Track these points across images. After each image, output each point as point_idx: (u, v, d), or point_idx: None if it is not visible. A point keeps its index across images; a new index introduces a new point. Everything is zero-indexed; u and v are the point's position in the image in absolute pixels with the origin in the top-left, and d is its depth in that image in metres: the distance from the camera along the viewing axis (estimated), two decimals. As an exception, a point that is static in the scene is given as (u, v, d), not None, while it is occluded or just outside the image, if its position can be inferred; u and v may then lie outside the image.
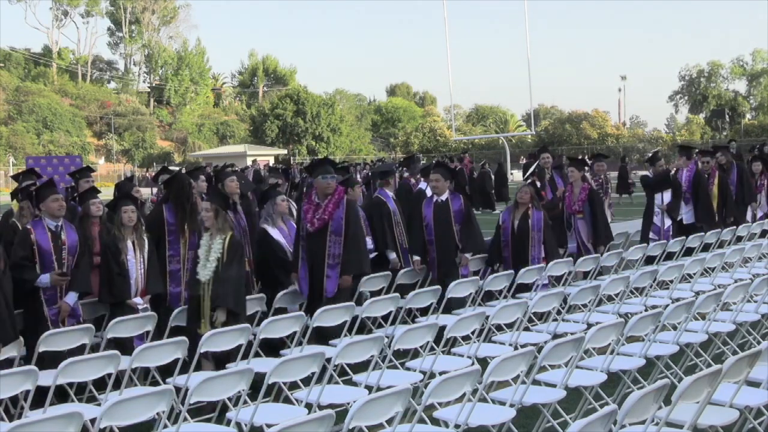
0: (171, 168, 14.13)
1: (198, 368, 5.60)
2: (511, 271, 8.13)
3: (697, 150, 12.95)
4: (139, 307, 6.70)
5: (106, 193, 9.29)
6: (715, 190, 11.55)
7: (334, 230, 7.33)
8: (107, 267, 6.78)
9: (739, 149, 20.31)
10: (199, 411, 5.48)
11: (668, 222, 10.76)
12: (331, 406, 4.72)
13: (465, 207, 8.51)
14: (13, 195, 8.52)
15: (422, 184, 10.49)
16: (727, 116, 58.13)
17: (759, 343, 6.48)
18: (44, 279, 6.39)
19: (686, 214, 11.27)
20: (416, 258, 8.47)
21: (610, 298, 7.88)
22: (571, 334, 5.53)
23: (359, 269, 7.45)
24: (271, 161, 51.28)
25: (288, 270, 7.55)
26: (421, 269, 8.44)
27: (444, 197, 8.49)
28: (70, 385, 5.24)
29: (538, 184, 10.66)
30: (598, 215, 9.68)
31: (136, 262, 6.80)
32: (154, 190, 11.69)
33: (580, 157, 17.90)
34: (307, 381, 5.09)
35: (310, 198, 7.51)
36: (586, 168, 11.94)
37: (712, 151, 12.80)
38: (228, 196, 7.81)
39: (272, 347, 6.35)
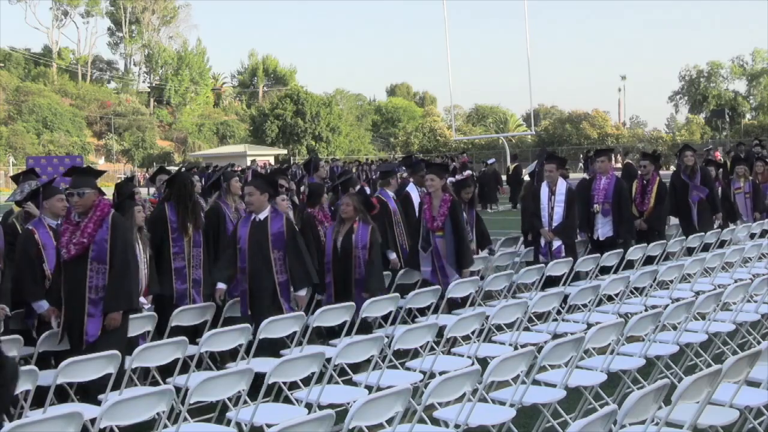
0: (168, 168, 14.13)
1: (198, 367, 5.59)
2: (511, 271, 8.08)
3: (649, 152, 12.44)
4: (145, 306, 6.72)
5: (106, 194, 9.25)
6: (653, 199, 10.45)
7: (94, 257, 5.87)
8: None
9: (748, 151, 19.04)
10: (199, 411, 5.48)
11: (557, 243, 9.13)
12: (331, 406, 4.72)
13: (288, 230, 6.91)
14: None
15: (410, 187, 9.93)
16: (727, 116, 58.10)
17: (759, 343, 6.49)
18: (42, 306, 6.15)
19: (602, 228, 9.87)
20: (219, 287, 6.88)
21: (610, 298, 7.89)
22: (571, 334, 5.53)
23: (129, 304, 5.95)
24: (271, 161, 51.29)
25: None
26: (221, 300, 6.89)
27: (263, 215, 6.93)
28: (70, 384, 5.25)
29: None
30: (460, 233, 8.21)
31: (140, 262, 6.81)
32: (152, 190, 11.68)
33: (443, 160, 16.60)
34: (307, 381, 5.09)
35: (69, 216, 6.11)
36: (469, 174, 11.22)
37: (652, 155, 11.71)
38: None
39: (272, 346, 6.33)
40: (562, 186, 9.26)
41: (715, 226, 11.17)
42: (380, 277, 7.61)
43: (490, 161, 27.92)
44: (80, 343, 5.82)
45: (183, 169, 10.81)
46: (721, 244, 10.72)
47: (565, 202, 9.17)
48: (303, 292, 6.96)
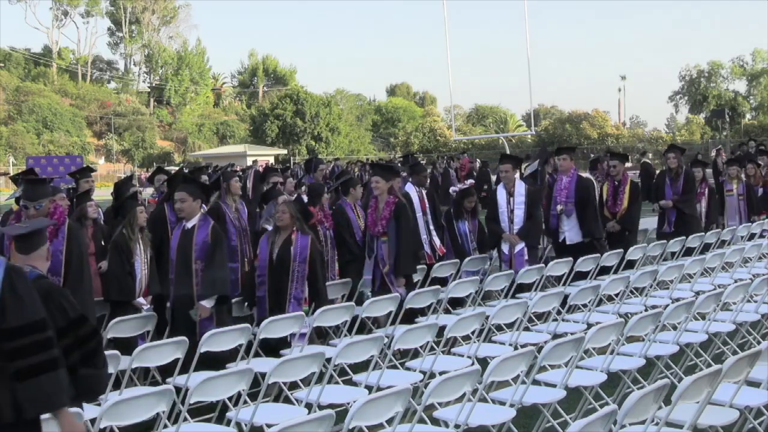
0: (166, 168, 14.14)
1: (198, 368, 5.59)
2: (511, 271, 8.07)
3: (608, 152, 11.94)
4: (144, 307, 6.72)
5: (106, 194, 9.28)
6: (626, 200, 10.02)
7: (49, 269, 5.56)
8: (118, 266, 6.76)
9: (758, 149, 18.48)
10: (199, 411, 5.48)
11: (520, 246, 8.74)
12: (331, 406, 4.73)
13: (213, 238, 6.56)
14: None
15: (408, 186, 9.70)
16: (727, 116, 58.09)
17: (759, 343, 6.49)
18: None
19: (568, 232, 9.41)
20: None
21: (610, 298, 7.88)
22: (571, 334, 5.54)
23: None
24: (272, 161, 51.31)
25: None
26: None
27: (191, 223, 6.61)
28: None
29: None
30: (404, 237, 7.76)
31: (141, 262, 6.82)
32: (150, 190, 11.66)
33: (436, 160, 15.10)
34: (307, 381, 5.09)
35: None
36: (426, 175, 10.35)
37: (621, 154, 11.17)
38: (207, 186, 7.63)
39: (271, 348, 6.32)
40: (520, 187, 8.90)
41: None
42: (324, 291, 7.00)
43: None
44: None
45: (228, 170, 10.77)
46: (722, 244, 10.71)
47: (525, 203, 8.78)
48: (208, 303, 6.47)
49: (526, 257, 8.65)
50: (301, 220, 6.96)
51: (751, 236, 11.15)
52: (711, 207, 11.52)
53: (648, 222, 12.10)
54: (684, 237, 10.02)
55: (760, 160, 13.74)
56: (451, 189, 10.12)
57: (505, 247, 8.80)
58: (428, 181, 12.60)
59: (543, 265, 8.38)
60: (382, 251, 7.75)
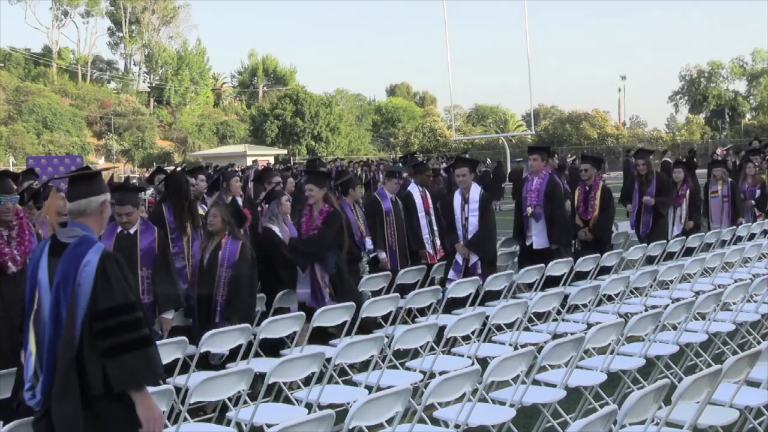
0: (166, 168, 14.14)
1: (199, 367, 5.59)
2: (511, 271, 8.06)
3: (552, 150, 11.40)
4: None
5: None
6: (597, 207, 9.47)
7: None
8: None
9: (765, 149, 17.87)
10: (199, 411, 5.48)
11: (474, 258, 8.33)
12: (331, 406, 4.73)
13: (159, 245, 6.37)
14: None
15: (411, 186, 9.68)
16: (727, 116, 58.10)
17: (759, 343, 6.49)
18: None
19: (536, 237, 9.05)
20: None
21: (610, 298, 7.88)
22: (571, 334, 5.53)
23: None
24: (271, 161, 51.30)
25: (292, 270, 7.45)
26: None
27: (133, 229, 6.36)
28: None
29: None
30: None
31: None
32: (149, 190, 11.65)
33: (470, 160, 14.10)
34: (307, 381, 5.09)
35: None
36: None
37: (594, 158, 10.54)
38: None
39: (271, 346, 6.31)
40: (475, 192, 8.42)
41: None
42: (245, 303, 6.50)
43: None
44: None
45: (228, 170, 10.68)
46: (721, 244, 10.71)
47: (479, 210, 8.33)
48: (169, 315, 6.35)
49: (479, 271, 8.20)
50: (233, 224, 6.66)
51: (752, 236, 11.14)
52: (692, 209, 11.10)
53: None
54: (664, 241, 9.80)
55: (755, 160, 13.33)
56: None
57: (459, 258, 8.41)
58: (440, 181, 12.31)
59: (542, 265, 8.36)
60: (315, 264, 7.26)
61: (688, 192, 11.03)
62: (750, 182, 12.15)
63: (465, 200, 8.40)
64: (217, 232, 6.58)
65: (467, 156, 11.09)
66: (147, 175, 25.76)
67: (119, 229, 6.35)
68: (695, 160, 20.93)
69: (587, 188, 9.65)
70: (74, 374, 3.45)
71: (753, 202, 12.03)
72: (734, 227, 11.00)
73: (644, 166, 10.74)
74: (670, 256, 9.89)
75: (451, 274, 8.35)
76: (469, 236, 8.33)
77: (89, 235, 3.62)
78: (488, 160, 29.98)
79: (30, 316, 3.60)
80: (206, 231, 6.79)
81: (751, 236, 11.12)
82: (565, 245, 9.11)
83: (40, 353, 3.54)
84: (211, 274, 6.47)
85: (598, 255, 8.83)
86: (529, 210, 9.02)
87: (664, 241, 9.84)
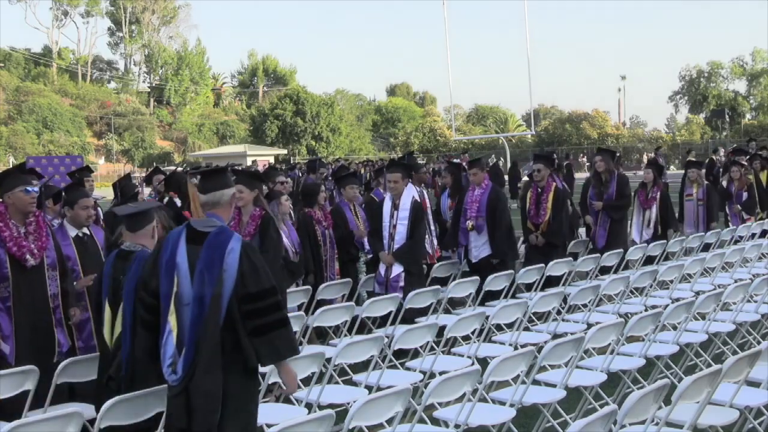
0: (164, 169, 14.16)
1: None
2: (511, 271, 8.06)
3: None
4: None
5: (106, 194, 9.28)
6: (549, 210, 8.91)
7: (50, 264, 5.54)
8: None
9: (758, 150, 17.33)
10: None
11: (397, 269, 7.75)
12: (331, 406, 4.72)
13: (106, 243, 5.94)
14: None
15: (409, 186, 9.68)
16: (727, 116, 58.07)
17: (759, 343, 6.49)
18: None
19: (477, 249, 8.54)
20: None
21: (610, 298, 7.88)
22: (571, 334, 5.53)
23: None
24: (271, 161, 51.29)
25: (292, 270, 7.44)
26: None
27: (84, 230, 6.10)
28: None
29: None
30: (272, 252, 6.30)
31: None
32: (146, 190, 11.67)
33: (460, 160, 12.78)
34: (307, 381, 5.09)
35: (12, 221, 5.46)
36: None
37: (547, 157, 9.77)
38: None
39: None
40: (407, 200, 7.87)
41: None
42: None
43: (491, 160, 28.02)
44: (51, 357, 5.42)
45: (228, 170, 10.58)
46: (722, 244, 10.69)
47: (409, 218, 7.78)
48: None
49: (402, 283, 7.65)
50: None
51: (752, 236, 11.13)
52: (665, 213, 10.44)
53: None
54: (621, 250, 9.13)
55: (744, 161, 12.74)
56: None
57: (381, 268, 7.83)
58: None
59: (543, 265, 8.36)
60: None
61: (658, 194, 10.39)
62: (736, 185, 11.70)
63: (395, 207, 7.87)
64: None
65: (399, 162, 10.24)
66: (144, 175, 25.78)
67: (75, 232, 6.07)
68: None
69: (539, 190, 9.06)
70: (218, 352, 3.81)
71: (740, 206, 11.63)
72: (704, 233, 10.58)
73: (602, 163, 9.98)
74: (669, 256, 9.88)
75: (375, 286, 7.82)
76: (396, 246, 7.81)
77: (224, 224, 4.03)
78: (493, 157, 29.96)
79: (170, 297, 3.92)
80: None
81: (752, 236, 11.11)
82: (511, 257, 8.63)
83: (182, 332, 3.87)
84: None
85: (598, 255, 8.81)
86: (470, 224, 8.51)
87: (621, 250, 9.15)
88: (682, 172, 11.78)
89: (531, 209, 9.06)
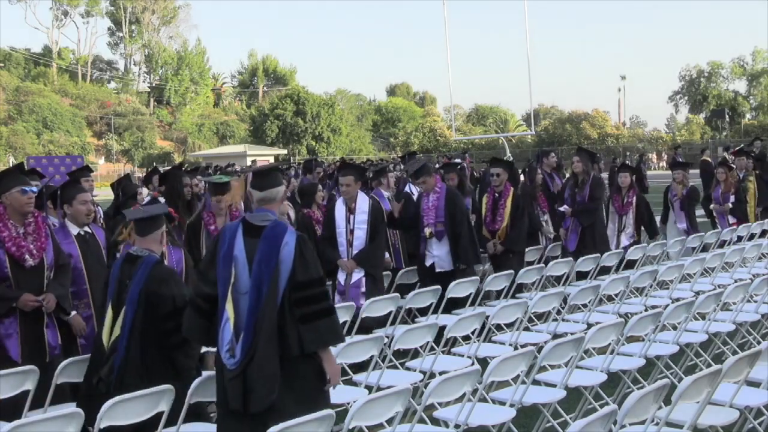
0: (162, 169, 14.15)
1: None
2: (511, 271, 8.06)
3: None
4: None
5: (106, 194, 9.28)
6: (507, 216, 8.61)
7: (50, 263, 5.49)
8: None
9: (764, 149, 16.80)
10: (200, 411, 5.45)
11: (357, 275, 7.39)
12: (331, 406, 4.72)
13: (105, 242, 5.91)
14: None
15: (409, 186, 9.41)
16: (727, 116, 58.09)
17: (759, 343, 6.49)
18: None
19: (437, 258, 8.05)
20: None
21: (610, 298, 7.88)
22: (571, 334, 5.53)
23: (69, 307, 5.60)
24: (271, 161, 51.28)
25: None
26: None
27: (86, 229, 5.98)
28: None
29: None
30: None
31: None
32: (145, 190, 11.66)
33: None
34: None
35: (13, 221, 5.43)
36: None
37: (505, 161, 9.56)
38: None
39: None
40: (363, 203, 7.51)
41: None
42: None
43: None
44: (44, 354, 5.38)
45: (228, 170, 10.50)
46: (722, 244, 10.68)
47: (368, 222, 7.42)
48: None
49: (363, 289, 7.32)
50: (171, 231, 5.81)
51: (752, 236, 11.12)
52: (642, 219, 10.14)
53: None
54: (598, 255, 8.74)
55: (733, 163, 12.18)
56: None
57: (341, 276, 7.42)
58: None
59: (543, 265, 8.36)
60: None
61: (635, 199, 10.06)
62: (723, 188, 11.29)
63: (350, 211, 7.48)
64: None
65: (352, 163, 9.86)
66: (143, 174, 25.75)
67: (77, 230, 5.96)
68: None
69: (496, 195, 8.72)
70: (275, 338, 4.05)
71: (729, 206, 11.26)
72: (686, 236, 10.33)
73: (579, 164, 9.69)
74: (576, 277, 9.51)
75: (336, 297, 7.35)
76: (354, 251, 7.41)
77: (276, 218, 4.26)
78: (509, 155, 29.91)
79: (228, 287, 4.13)
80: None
81: (752, 236, 11.10)
82: (474, 263, 8.22)
83: (239, 320, 4.10)
84: None
85: (598, 255, 8.78)
86: (428, 231, 8.07)
87: (597, 255, 8.77)
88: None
89: (487, 215, 8.74)
